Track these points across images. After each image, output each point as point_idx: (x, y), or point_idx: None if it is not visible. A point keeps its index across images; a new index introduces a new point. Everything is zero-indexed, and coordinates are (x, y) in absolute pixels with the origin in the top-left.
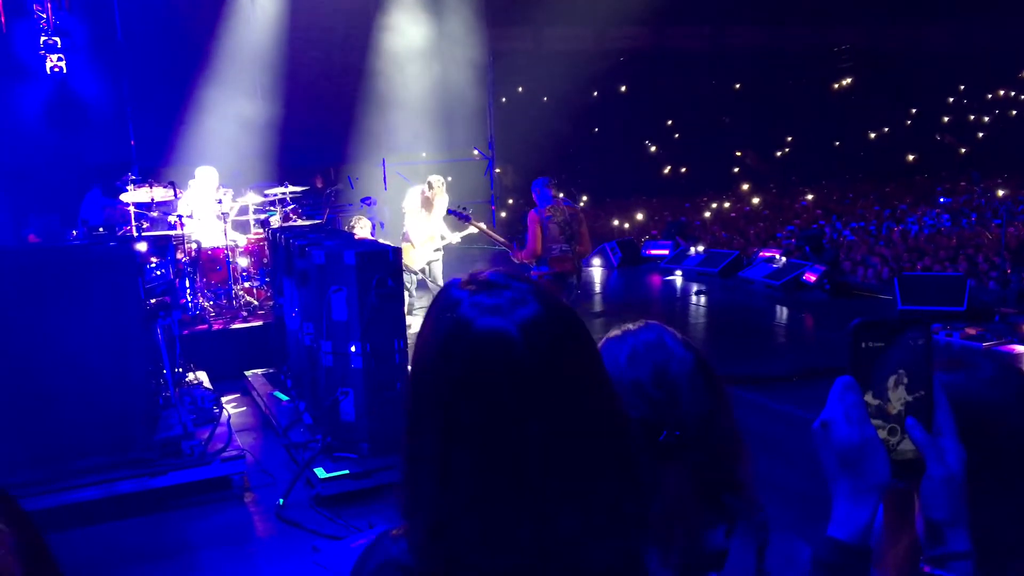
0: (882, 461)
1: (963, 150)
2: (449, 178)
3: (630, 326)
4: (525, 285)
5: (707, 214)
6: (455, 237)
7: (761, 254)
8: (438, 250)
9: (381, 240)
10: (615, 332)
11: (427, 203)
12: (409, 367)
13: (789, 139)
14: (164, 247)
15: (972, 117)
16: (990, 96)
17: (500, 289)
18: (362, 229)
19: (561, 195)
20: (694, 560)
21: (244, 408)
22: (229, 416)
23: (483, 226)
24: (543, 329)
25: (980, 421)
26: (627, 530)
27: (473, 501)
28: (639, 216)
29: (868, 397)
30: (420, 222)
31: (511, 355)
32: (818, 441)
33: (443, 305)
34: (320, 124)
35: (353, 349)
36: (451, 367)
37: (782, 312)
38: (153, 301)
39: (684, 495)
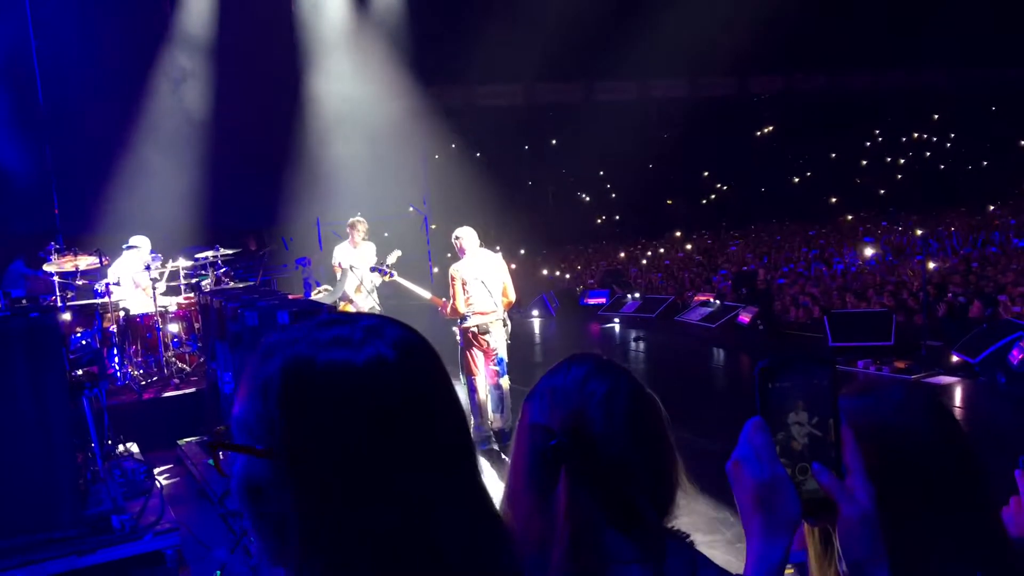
0: (792, 499)
1: (882, 191)
2: (386, 234)
3: (575, 355)
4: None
5: (643, 261)
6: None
7: (696, 298)
8: (371, 292)
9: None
10: (560, 362)
11: (352, 243)
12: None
13: (718, 186)
14: (90, 316)
15: (889, 159)
16: (905, 139)
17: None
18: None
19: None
20: None
21: (177, 478)
22: (162, 487)
23: (404, 282)
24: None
25: (889, 445)
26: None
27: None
28: (575, 266)
29: (778, 437)
30: (353, 265)
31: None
32: (732, 480)
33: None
34: (251, 186)
35: None
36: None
37: (719, 354)
38: (79, 372)
39: (578, 509)
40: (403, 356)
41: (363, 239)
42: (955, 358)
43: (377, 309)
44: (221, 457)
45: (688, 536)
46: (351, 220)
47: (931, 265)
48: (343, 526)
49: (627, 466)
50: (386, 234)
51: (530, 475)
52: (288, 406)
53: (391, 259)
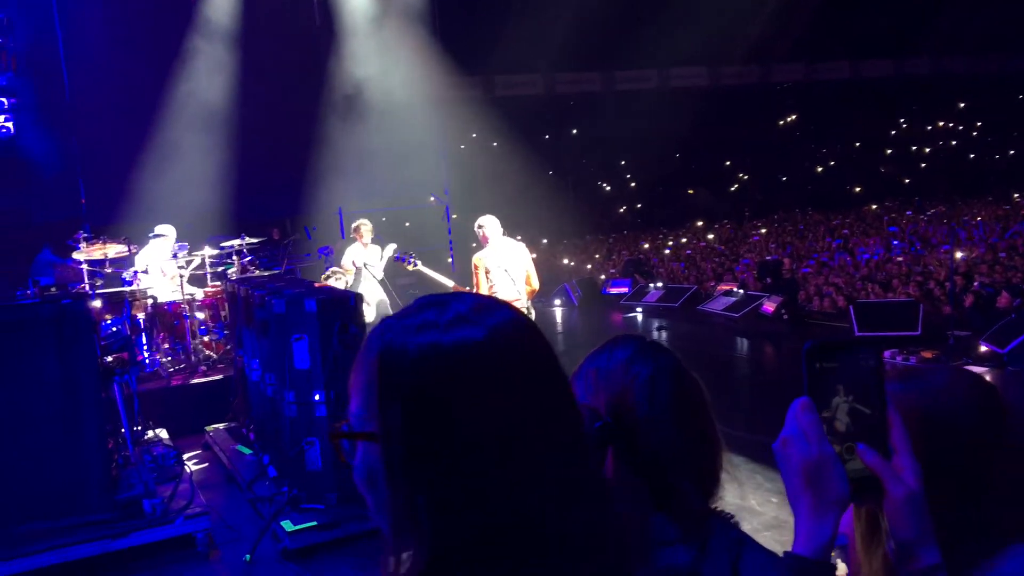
0: (841, 477)
1: (906, 180)
2: (407, 224)
3: (618, 337)
4: (461, 301)
5: (666, 251)
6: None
7: (719, 288)
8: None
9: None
10: (604, 343)
11: (361, 243)
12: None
13: (740, 175)
14: (119, 304)
15: (914, 148)
16: (929, 128)
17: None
18: (337, 282)
19: (504, 234)
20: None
21: (206, 464)
22: (191, 473)
23: (427, 270)
24: (505, 332)
25: (936, 428)
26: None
27: (468, 526)
28: (596, 255)
29: (824, 417)
30: (364, 260)
31: (477, 362)
32: (779, 459)
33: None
34: (275, 175)
35: (317, 398)
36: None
37: (743, 343)
38: (109, 358)
39: (624, 489)
40: (493, 336)
41: (370, 239)
42: (983, 348)
43: (387, 301)
44: (346, 447)
45: (732, 517)
46: (355, 224)
47: (958, 255)
48: (441, 510)
49: (671, 447)
50: (407, 224)
51: None
52: (383, 393)
53: (388, 251)
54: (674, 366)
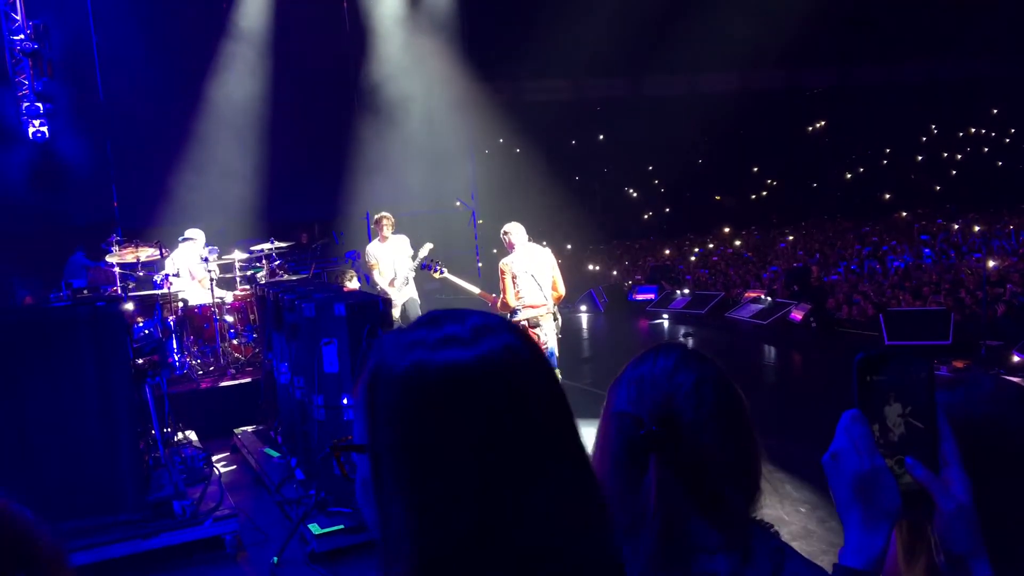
0: (892, 489)
1: (937, 187)
2: (434, 228)
3: (660, 344)
4: (478, 316)
5: (692, 258)
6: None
7: (747, 295)
8: (406, 283)
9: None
10: (647, 350)
11: (381, 238)
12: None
13: (768, 181)
14: (151, 306)
15: (945, 155)
16: (961, 134)
17: (456, 319)
18: (351, 282)
19: (530, 240)
20: None
21: (234, 466)
22: (220, 475)
23: (453, 278)
24: (513, 354)
25: (984, 436)
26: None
27: (459, 538)
28: (623, 261)
29: (874, 429)
30: (380, 259)
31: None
32: (829, 472)
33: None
34: (304, 180)
35: (345, 401)
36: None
37: (771, 351)
38: (141, 361)
39: (668, 497)
40: (483, 360)
41: (391, 232)
42: (1016, 358)
43: (416, 300)
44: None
45: (772, 526)
46: (376, 216)
47: (990, 263)
48: (420, 527)
49: (715, 455)
50: (434, 228)
51: (617, 463)
52: (371, 408)
53: (423, 252)
54: (718, 375)
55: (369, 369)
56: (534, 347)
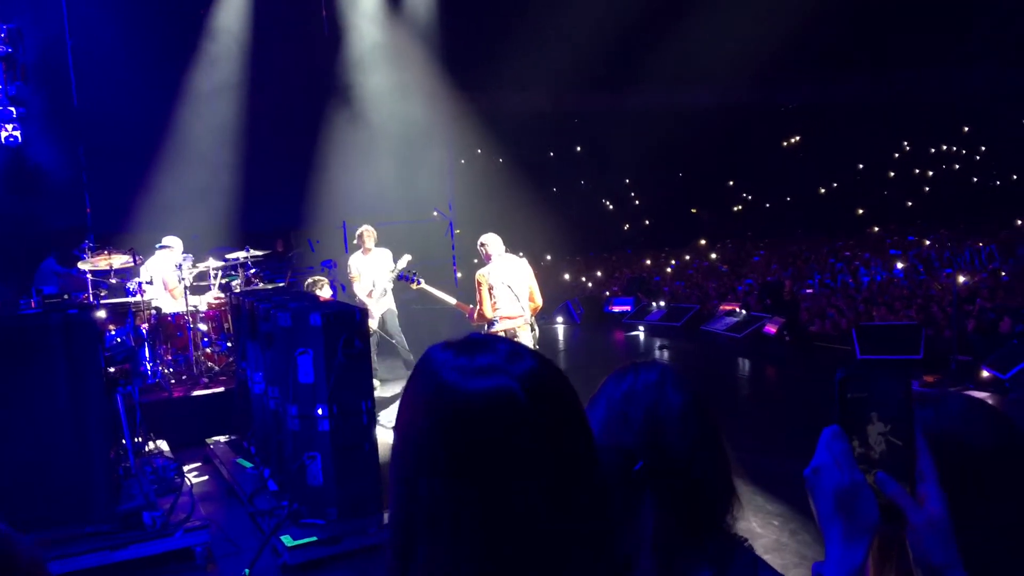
0: (872, 504)
1: (909, 203)
2: (411, 237)
3: (637, 362)
4: (506, 343)
5: (668, 270)
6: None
7: (722, 308)
8: (385, 295)
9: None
10: (623, 367)
11: (364, 251)
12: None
13: (743, 195)
14: (123, 314)
15: (917, 171)
16: (933, 150)
17: (484, 348)
18: (322, 291)
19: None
20: None
21: (206, 477)
22: (191, 485)
23: (431, 289)
24: (544, 382)
25: (953, 454)
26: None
27: (480, 560)
28: (599, 273)
29: (854, 445)
30: (362, 271)
31: (514, 412)
32: (811, 487)
33: (426, 371)
34: (279, 187)
35: (320, 412)
36: (442, 431)
37: (746, 364)
38: (113, 369)
39: (664, 528)
40: (527, 388)
41: (374, 245)
42: (985, 373)
43: (394, 311)
44: None
45: (746, 540)
46: (359, 230)
47: (960, 279)
48: (484, 535)
49: (702, 478)
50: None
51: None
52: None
53: (402, 263)
54: (695, 397)
55: (428, 389)
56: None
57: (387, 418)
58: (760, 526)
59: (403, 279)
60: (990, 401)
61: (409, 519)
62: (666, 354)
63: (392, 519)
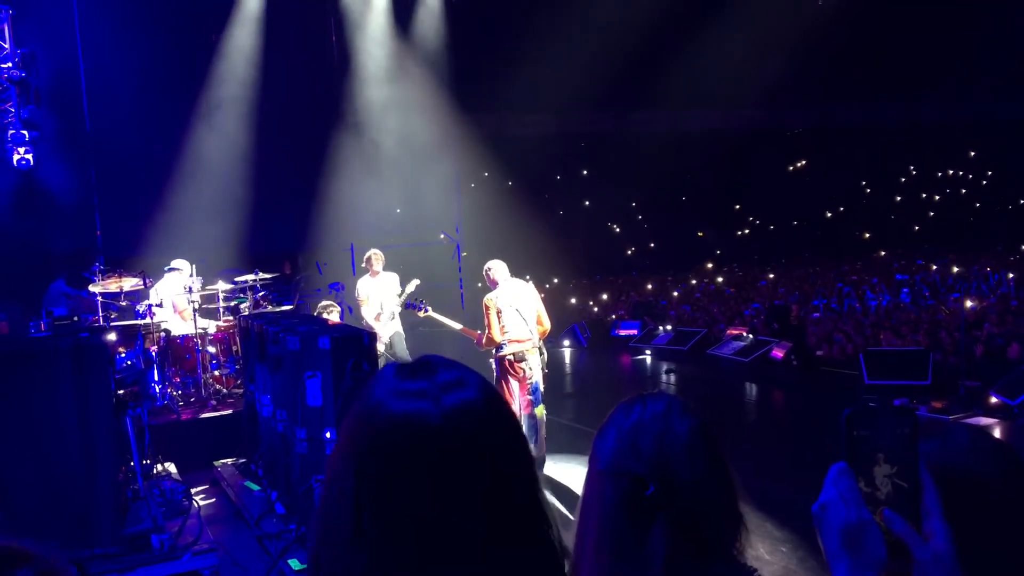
0: (879, 541)
1: (916, 227)
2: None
3: (645, 393)
4: (457, 371)
5: (675, 293)
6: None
7: (728, 332)
8: (393, 318)
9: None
10: (631, 398)
11: (372, 274)
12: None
13: (750, 219)
14: (133, 337)
15: (924, 195)
16: (940, 174)
17: (425, 374)
18: (331, 315)
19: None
20: None
21: (214, 499)
22: (199, 508)
23: (438, 316)
24: (471, 413)
25: (959, 488)
26: None
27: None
28: (605, 296)
29: (860, 484)
30: (371, 294)
31: (426, 437)
32: (818, 523)
33: (369, 387)
34: (288, 211)
35: (328, 435)
36: (363, 444)
37: (752, 388)
38: (122, 392)
39: (674, 553)
40: (450, 418)
41: (382, 269)
42: (994, 399)
43: (401, 333)
44: None
45: (756, 571)
46: (367, 254)
47: (968, 304)
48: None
49: (711, 505)
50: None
51: (615, 521)
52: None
53: (410, 288)
54: (702, 425)
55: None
56: (502, 406)
57: None
58: (768, 552)
59: (410, 307)
60: (998, 428)
61: (324, 521)
62: (673, 378)
63: (312, 522)
